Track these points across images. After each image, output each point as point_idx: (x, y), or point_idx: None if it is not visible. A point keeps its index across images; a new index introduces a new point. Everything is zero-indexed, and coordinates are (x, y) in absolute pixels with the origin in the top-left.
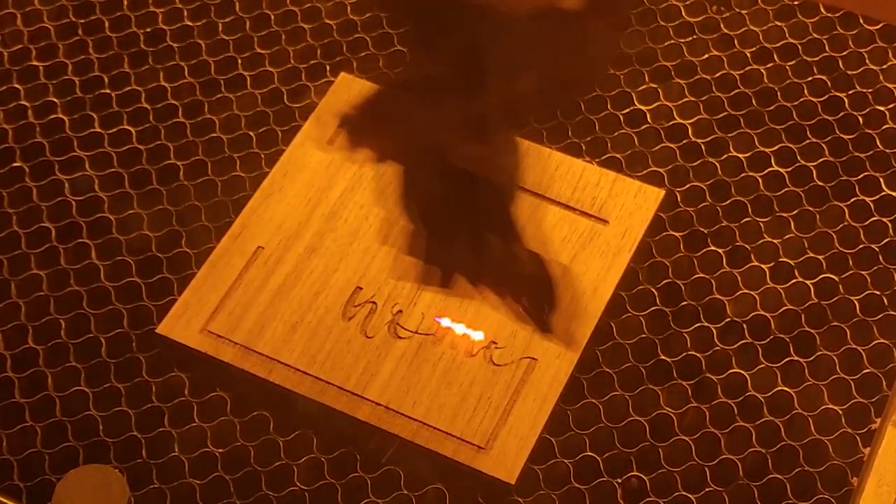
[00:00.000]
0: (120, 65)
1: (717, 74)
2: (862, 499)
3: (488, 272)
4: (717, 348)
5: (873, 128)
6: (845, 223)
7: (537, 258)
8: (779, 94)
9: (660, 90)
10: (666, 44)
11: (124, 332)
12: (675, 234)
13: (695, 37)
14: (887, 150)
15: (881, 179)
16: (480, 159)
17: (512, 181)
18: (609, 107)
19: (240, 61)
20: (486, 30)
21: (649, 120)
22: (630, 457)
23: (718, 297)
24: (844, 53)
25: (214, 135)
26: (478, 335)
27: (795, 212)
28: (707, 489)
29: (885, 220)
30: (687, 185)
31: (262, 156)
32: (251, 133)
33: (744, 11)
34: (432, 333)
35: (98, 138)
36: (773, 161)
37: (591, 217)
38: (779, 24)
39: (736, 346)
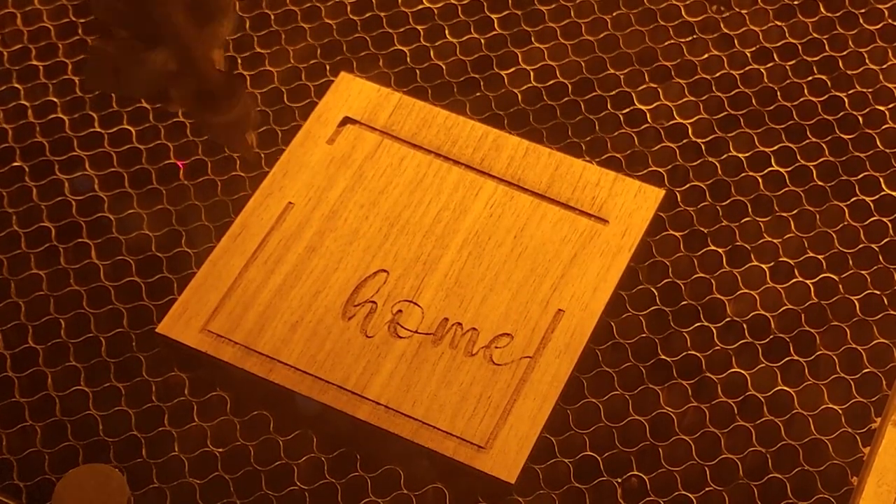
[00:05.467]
0: None
1: (717, 74)
2: (862, 498)
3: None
4: (717, 348)
5: (873, 128)
6: (845, 223)
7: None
8: (779, 93)
9: (660, 90)
10: (666, 44)
11: (124, 331)
12: (675, 233)
13: (695, 37)
14: (887, 150)
15: (881, 179)
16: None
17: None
18: (609, 107)
19: (240, 61)
20: None
21: (649, 120)
22: (630, 456)
23: (718, 296)
24: (844, 53)
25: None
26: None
27: (795, 211)
28: (707, 489)
29: (885, 220)
30: (687, 185)
31: (262, 156)
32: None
33: (744, 11)
34: (432, 333)
35: (98, 138)
36: (773, 161)
37: (591, 217)
38: (779, 24)
39: (736, 345)
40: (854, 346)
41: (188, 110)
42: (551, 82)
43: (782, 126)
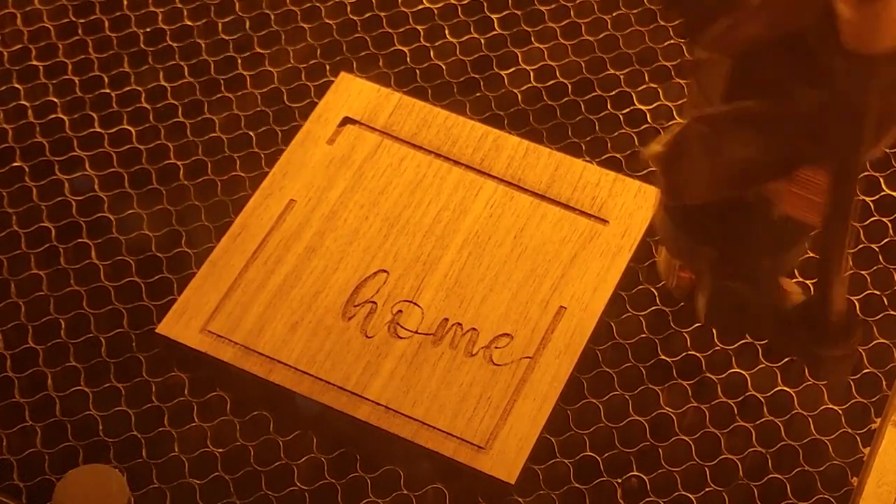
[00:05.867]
0: (120, 64)
1: None
2: (862, 499)
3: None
4: (717, 348)
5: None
6: None
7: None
8: None
9: (660, 90)
10: (666, 44)
11: (124, 331)
12: None
13: None
14: (887, 150)
15: (881, 179)
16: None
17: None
18: (609, 107)
19: (240, 61)
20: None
21: (649, 120)
22: (630, 457)
23: None
24: None
25: (214, 135)
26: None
27: None
28: (707, 489)
29: (885, 220)
30: None
31: (262, 156)
32: (251, 133)
33: None
34: (432, 333)
35: (98, 138)
36: None
37: (591, 217)
38: None
39: (736, 345)
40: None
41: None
42: (551, 82)
43: None
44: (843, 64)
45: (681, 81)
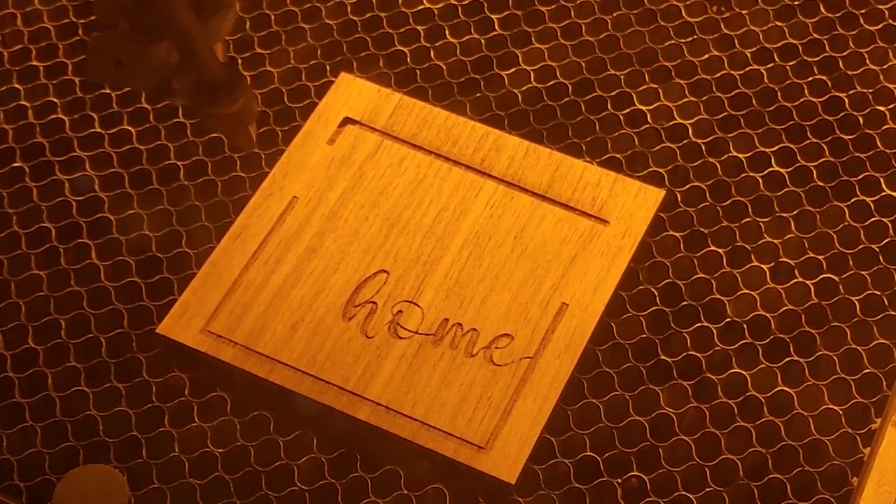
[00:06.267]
0: None
1: (718, 75)
2: (862, 499)
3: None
4: (718, 348)
5: (873, 128)
6: (845, 223)
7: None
8: (779, 94)
9: (660, 90)
10: (666, 44)
11: (124, 332)
12: (676, 234)
13: (695, 37)
14: (887, 151)
15: (881, 179)
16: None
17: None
18: (609, 107)
19: (240, 61)
20: None
21: (649, 120)
22: (630, 457)
23: (718, 297)
24: (844, 53)
25: (214, 135)
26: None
27: (795, 212)
28: (707, 489)
29: (885, 220)
30: (687, 186)
31: (262, 156)
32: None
33: (744, 11)
34: (433, 333)
35: (98, 138)
36: (773, 161)
37: (592, 217)
38: (779, 24)
39: (736, 346)
40: (854, 346)
41: (190, 103)
42: (552, 83)
43: (783, 126)
44: None
45: (681, 82)
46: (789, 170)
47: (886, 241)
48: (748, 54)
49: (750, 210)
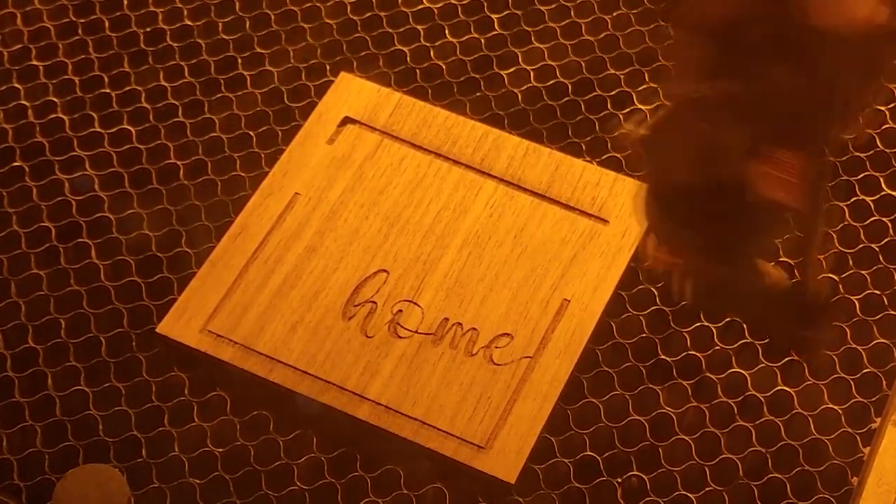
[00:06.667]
0: (120, 64)
1: None
2: (862, 498)
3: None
4: (717, 348)
5: (873, 128)
6: (845, 223)
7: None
8: None
9: (660, 90)
10: (666, 44)
11: (124, 331)
12: None
13: None
14: (887, 150)
15: (881, 179)
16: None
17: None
18: (609, 106)
19: (240, 61)
20: (829, 53)
21: (649, 120)
22: (630, 456)
23: None
24: None
25: (214, 134)
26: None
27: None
28: (707, 489)
29: (885, 220)
30: None
31: (262, 155)
32: (251, 133)
33: None
34: (433, 333)
35: (98, 138)
36: None
37: (592, 217)
38: None
39: (736, 345)
40: (854, 346)
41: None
42: (551, 82)
43: None
44: (812, 40)
45: None
46: None
47: (886, 240)
48: None
49: None
